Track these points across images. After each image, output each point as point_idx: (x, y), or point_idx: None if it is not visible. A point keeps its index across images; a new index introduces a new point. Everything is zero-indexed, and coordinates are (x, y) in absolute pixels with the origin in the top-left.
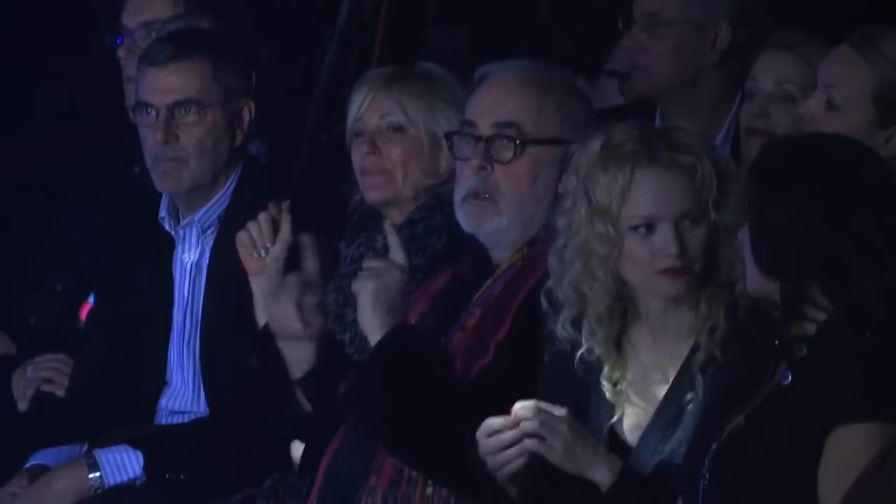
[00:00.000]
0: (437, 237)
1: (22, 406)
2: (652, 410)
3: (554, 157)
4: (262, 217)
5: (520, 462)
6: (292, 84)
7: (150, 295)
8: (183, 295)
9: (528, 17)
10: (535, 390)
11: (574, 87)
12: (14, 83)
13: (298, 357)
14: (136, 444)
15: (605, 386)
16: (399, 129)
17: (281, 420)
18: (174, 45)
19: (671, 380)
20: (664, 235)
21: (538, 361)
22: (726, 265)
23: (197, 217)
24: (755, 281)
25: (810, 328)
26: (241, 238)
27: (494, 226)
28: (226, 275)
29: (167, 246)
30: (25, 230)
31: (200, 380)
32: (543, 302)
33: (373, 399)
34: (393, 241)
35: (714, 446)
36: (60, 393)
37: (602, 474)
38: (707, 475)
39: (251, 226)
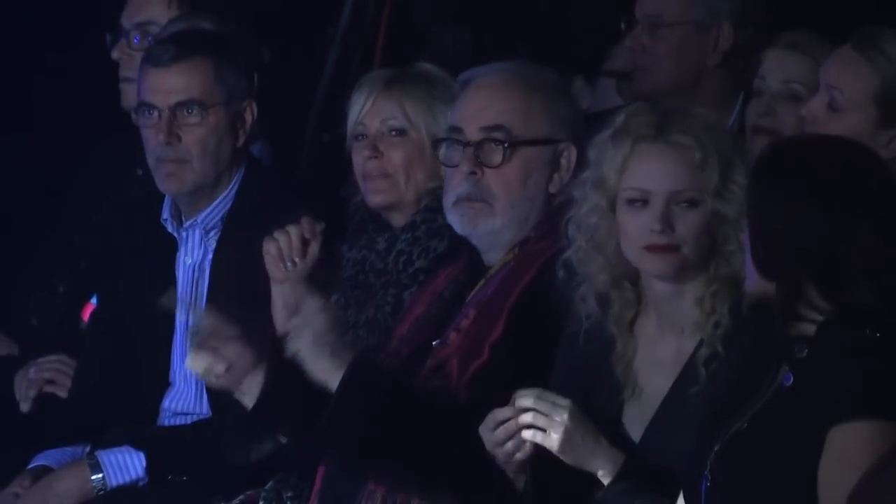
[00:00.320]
0: (438, 239)
1: (24, 407)
2: (656, 405)
3: (544, 157)
4: (294, 232)
5: (524, 452)
6: (294, 85)
7: (153, 296)
8: (185, 296)
9: (529, 17)
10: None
11: (559, 87)
12: (15, 84)
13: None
14: (138, 446)
15: (617, 366)
16: (401, 132)
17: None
18: (176, 45)
19: (676, 375)
20: (653, 211)
21: (533, 361)
22: (733, 261)
23: (200, 219)
24: (754, 281)
25: (810, 329)
26: (270, 248)
27: (489, 227)
28: (228, 276)
29: (170, 247)
30: (28, 231)
31: (203, 381)
32: (560, 272)
33: (352, 435)
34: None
35: (717, 448)
36: (63, 394)
37: (604, 467)
38: (710, 477)
39: (280, 237)
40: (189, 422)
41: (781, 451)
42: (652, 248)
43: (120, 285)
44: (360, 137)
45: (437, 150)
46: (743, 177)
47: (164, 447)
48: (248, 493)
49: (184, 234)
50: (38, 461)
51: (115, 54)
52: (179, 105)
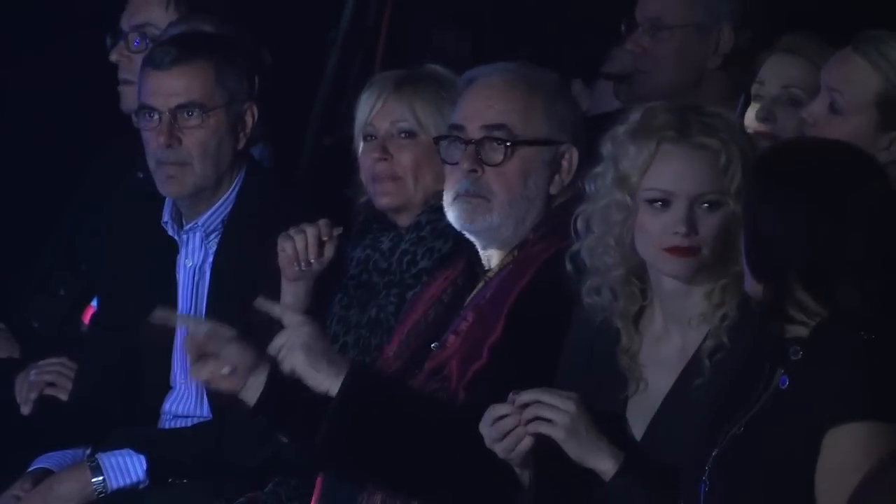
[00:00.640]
0: (443, 240)
1: (25, 410)
2: (660, 400)
3: (544, 157)
4: (311, 232)
5: (524, 446)
6: (295, 87)
7: (154, 299)
8: (186, 299)
9: (529, 19)
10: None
11: (560, 88)
12: (15, 86)
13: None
14: (139, 448)
15: (621, 359)
16: (410, 134)
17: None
18: (177, 48)
19: (680, 371)
20: (676, 213)
21: (533, 362)
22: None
23: (200, 221)
24: (749, 283)
25: (804, 331)
26: (285, 247)
27: (486, 223)
28: (229, 279)
29: (170, 250)
30: (29, 234)
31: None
32: (568, 265)
33: (353, 443)
34: (277, 311)
35: (714, 453)
36: (63, 397)
37: (606, 463)
38: (708, 482)
39: (297, 237)
40: (189, 424)
41: (779, 454)
42: (673, 250)
43: (120, 288)
44: (368, 138)
45: (438, 146)
46: None
47: (164, 450)
48: (248, 495)
49: (184, 236)
50: (39, 464)
51: (113, 57)
52: (180, 107)
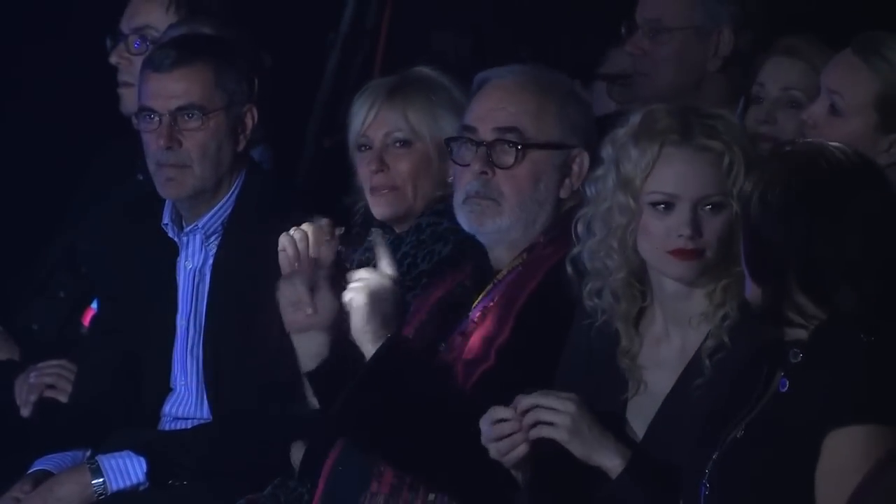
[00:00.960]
0: (443, 243)
1: (25, 412)
2: (660, 402)
3: (555, 161)
4: (312, 232)
5: (519, 452)
6: (295, 89)
7: (154, 301)
8: (186, 301)
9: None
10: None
11: (573, 92)
12: (16, 88)
13: (309, 349)
14: (139, 450)
15: (622, 361)
16: (406, 143)
17: (283, 418)
18: (177, 50)
19: (680, 372)
20: (680, 216)
21: (540, 365)
22: None
23: (200, 223)
24: (750, 288)
25: (803, 334)
26: (286, 247)
27: (496, 226)
28: (229, 281)
29: (170, 252)
30: (29, 236)
31: (204, 386)
32: (569, 268)
33: (371, 410)
34: (381, 251)
35: (715, 456)
36: (63, 399)
37: (612, 460)
38: (708, 485)
39: (297, 235)
40: (189, 426)
41: (779, 457)
42: (677, 253)
43: (121, 290)
44: (363, 148)
45: (449, 148)
46: None
47: (164, 452)
48: (248, 497)
49: (184, 238)
50: (39, 465)
51: (113, 59)
52: (180, 110)
